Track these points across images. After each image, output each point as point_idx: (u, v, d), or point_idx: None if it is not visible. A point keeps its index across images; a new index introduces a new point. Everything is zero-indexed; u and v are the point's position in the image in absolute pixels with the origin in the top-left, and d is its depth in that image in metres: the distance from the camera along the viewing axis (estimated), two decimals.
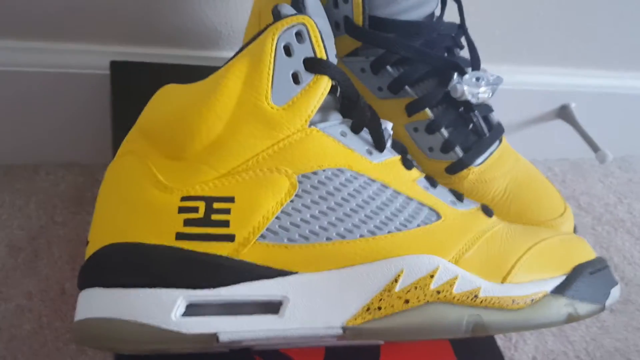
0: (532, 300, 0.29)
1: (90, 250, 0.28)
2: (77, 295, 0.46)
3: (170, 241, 0.27)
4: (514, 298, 0.28)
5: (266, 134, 0.29)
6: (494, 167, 0.40)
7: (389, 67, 0.38)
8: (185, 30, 0.51)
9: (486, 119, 0.41)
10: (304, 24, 0.30)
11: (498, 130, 0.41)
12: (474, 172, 0.39)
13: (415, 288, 0.27)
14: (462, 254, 0.29)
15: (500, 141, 0.42)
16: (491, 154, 0.40)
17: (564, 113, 0.70)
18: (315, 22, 0.30)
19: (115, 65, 0.49)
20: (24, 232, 0.49)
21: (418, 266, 0.28)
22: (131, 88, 0.48)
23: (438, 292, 0.28)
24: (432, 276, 0.28)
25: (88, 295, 0.27)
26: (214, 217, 0.28)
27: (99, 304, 0.27)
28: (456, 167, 0.39)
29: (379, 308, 0.27)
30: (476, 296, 0.28)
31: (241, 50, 0.30)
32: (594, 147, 0.66)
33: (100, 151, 0.54)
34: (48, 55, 0.48)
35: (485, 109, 0.41)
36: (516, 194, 0.40)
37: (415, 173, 0.32)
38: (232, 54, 0.54)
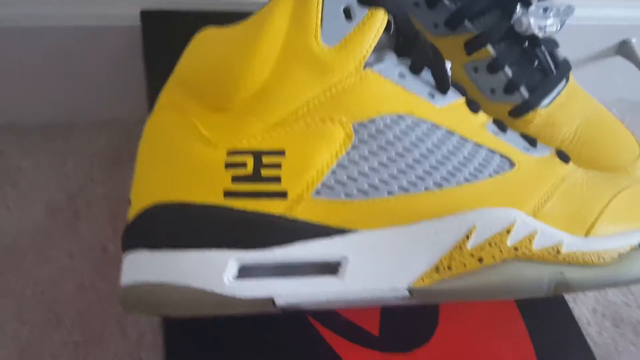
0: (619, 254, 0.26)
1: (133, 211, 0.26)
2: (120, 255, 0.45)
3: (218, 200, 0.25)
4: (599, 253, 0.26)
5: (317, 78, 0.26)
6: (562, 109, 0.36)
7: (445, 1, 0.35)
8: None
9: (552, 55, 0.37)
10: None
11: (565, 68, 0.38)
12: (541, 115, 0.36)
13: (490, 245, 0.25)
14: (540, 205, 0.26)
15: (567, 80, 0.38)
16: (559, 93, 0.37)
17: (624, 49, 0.64)
18: None
19: (146, 15, 0.46)
20: (62, 193, 0.48)
21: (492, 221, 0.25)
22: (163, 38, 0.45)
23: (515, 249, 0.25)
24: (508, 231, 0.25)
25: (134, 258, 0.26)
26: (264, 172, 0.25)
27: (147, 267, 0.25)
28: (521, 110, 0.35)
29: (449, 267, 0.25)
30: (558, 252, 0.25)
31: None
32: None
33: (135, 106, 0.51)
34: (74, 6, 0.45)
35: (551, 43, 0.37)
36: (587, 138, 0.36)
37: (482, 117, 0.28)
38: None
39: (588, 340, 0.33)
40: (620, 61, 0.66)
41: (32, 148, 0.50)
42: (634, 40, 0.64)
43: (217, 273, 0.24)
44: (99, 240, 0.45)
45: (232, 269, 0.24)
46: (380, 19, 0.26)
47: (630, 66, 0.65)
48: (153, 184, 0.26)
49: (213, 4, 0.49)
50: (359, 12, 0.26)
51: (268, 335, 0.29)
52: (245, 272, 0.25)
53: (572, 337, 0.33)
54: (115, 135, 0.52)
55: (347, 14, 0.26)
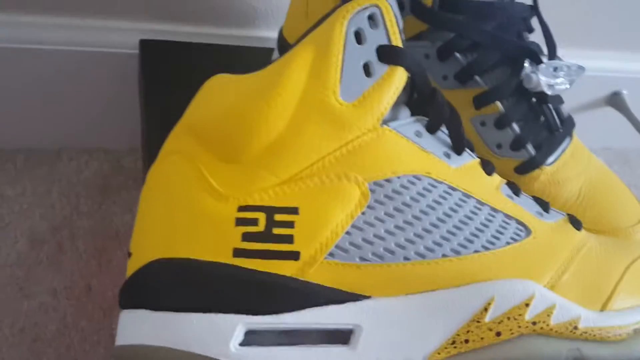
0: (635, 330, 0.25)
1: (133, 265, 0.25)
2: (105, 293, 0.43)
3: (226, 258, 0.24)
4: (615, 328, 0.25)
5: (333, 134, 0.25)
6: (567, 167, 0.36)
7: (457, 54, 0.34)
8: (219, 7, 0.47)
9: (557, 112, 0.37)
10: (377, 6, 0.26)
11: (569, 125, 0.37)
12: (546, 173, 0.35)
13: (509, 319, 0.24)
14: (558, 277, 0.25)
15: (571, 137, 0.38)
16: (563, 151, 0.36)
17: (615, 100, 0.65)
18: (390, 4, 0.26)
19: (145, 44, 0.45)
20: (46, 223, 0.46)
21: (511, 293, 0.24)
22: (161, 68, 0.44)
23: (534, 324, 0.24)
24: (527, 305, 0.24)
25: (132, 318, 0.24)
26: (276, 230, 0.24)
27: (146, 329, 0.24)
28: (528, 167, 0.35)
29: (466, 341, 0.24)
30: (576, 327, 0.24)
31: (305, 35, 0.26)
32: None
33: (127, 135, 0.50)
34: (72, 32, 0.44)
35: (556, 100, 0.37)
36: (591, 198, 0.36)
37: (496, 179, 0.28)
38: (269, 32, 0.50)
39: None
40: (607, 110, 0.67)
41: (17, 174, 0.48)
42: (625, 92, 0.65)
43: (223, 339, 0.23)
44: (83, 276, 0.43)
45: (239, 335, 0.23)
46: (399, 76, 0.26)
47: (617, 115, 0.66)
48: (156, 237, 0.25)
49: (211, 38, 0.48)
50: (379, 68, 0.26)
51: None
52: (251, 337, 0.23)
53: None
54: (104, 165, 0.51)
55: (367, 70, 0.25)
